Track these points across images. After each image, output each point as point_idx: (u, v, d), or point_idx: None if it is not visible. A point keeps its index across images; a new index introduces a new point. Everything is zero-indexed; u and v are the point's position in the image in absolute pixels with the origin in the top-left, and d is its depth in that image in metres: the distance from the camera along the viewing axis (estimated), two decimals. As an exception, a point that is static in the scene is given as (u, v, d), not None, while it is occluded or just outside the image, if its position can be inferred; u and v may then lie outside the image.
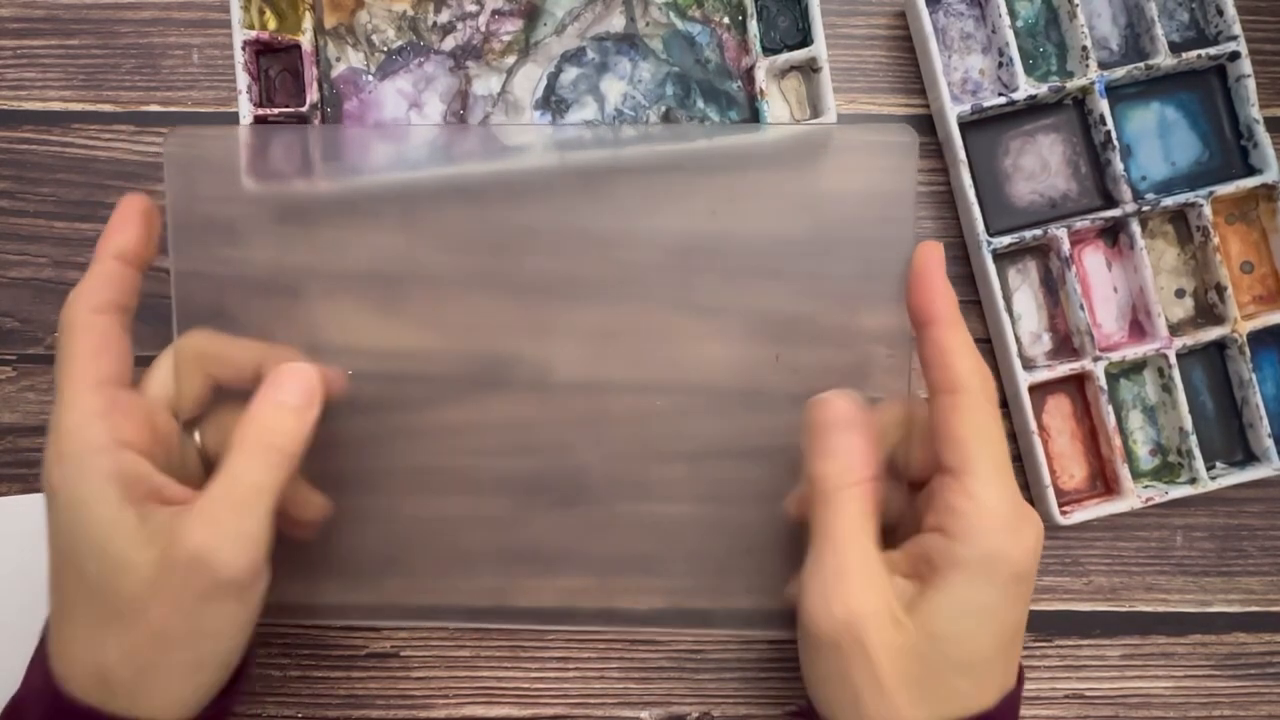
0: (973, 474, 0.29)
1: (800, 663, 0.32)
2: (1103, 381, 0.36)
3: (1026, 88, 0.36)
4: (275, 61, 0.38)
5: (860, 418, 0.31)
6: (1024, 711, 0.31)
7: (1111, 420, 0.36)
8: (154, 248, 0.33)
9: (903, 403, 0.34)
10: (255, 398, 0.31)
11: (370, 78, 0.38)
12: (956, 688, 0.29)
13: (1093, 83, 0.37)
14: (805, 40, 0.37)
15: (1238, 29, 0.37)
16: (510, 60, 0.38)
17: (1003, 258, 0.38)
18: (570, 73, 0.38)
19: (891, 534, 0.32)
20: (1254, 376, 0.36)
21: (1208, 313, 0.37)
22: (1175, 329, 0.37)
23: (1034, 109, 0.38)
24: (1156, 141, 0.38)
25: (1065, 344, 0.38)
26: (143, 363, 0.32)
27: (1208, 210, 0.37)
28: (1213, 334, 0.37)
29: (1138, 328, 0.37)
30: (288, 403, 0.31)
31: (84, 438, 0.29)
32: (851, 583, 0.29)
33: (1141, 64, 0.37)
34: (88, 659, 0.29)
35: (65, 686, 0.29)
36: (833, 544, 0.30)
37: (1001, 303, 0.36)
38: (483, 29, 0.38)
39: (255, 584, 0.30)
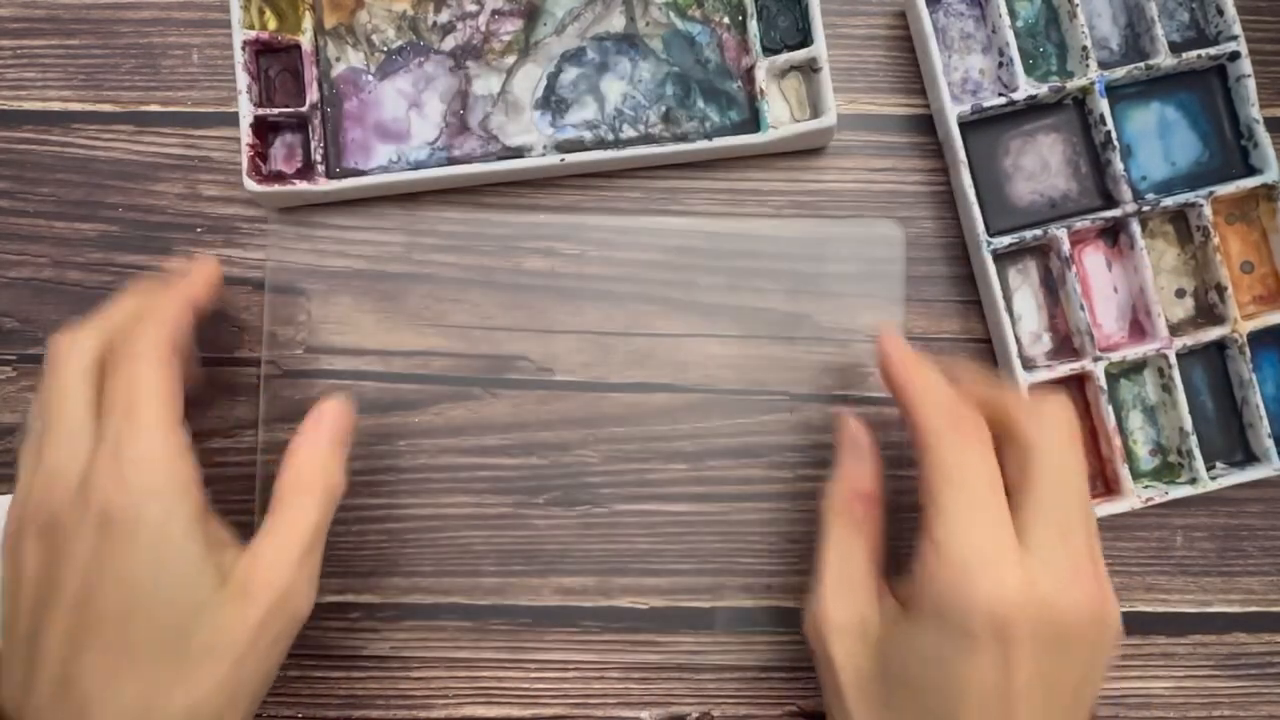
0: (937, 518, 0.27)
1: None
2: (1103, 381, 0.36)
3: (1026, 88, 0.36)
4: (275, 61, 0.38)
5: (865, 440, 0.32)
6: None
7: (1111, 420, 0.36)
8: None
9: None
10: (303, 436, 0.31)
11: (370, 77, 0.38)
12: None
13: (1093, 83, 0.37)
14: (805, 40, 0.37)
15: (1238, 29, 0.37)
16: (510, 60, 0.38)
17: (1003, 258, 0.38)
18: (570, 73, 0.38)
19: None
20: (1254, 376, 0.36)
21: (1208, 313, 0.37)
22: (1175, 329, 0.37)
23: (1034, 109, 0.38)
24: (1156, 141, 0.38)
25: (1065, 344, 0.38)
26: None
27: (1208, 210, 0.37)
28: (1213, 334, 0.36)
29: (1138, 328, 0.37)
30: (335, 440, 0.31)
31: (177, 470, 0.28)
32: (825, 592, 0.30)
33: (1141, 64, 0.37)
34: (141, 711, 0.27)
35: None
36: (821, 555, 0.31)
37: (1001, 303, 0.36)
38: (483, 29, 0.38)
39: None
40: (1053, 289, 0.38)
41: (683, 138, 0.37)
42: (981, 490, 0.27)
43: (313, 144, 0.37)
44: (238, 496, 0.37)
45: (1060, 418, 0.29)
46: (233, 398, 0.38)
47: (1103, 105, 0.37)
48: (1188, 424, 0.36)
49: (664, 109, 0.38)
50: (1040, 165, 0.38)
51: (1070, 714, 0.27)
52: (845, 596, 0.30)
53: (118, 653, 0.27)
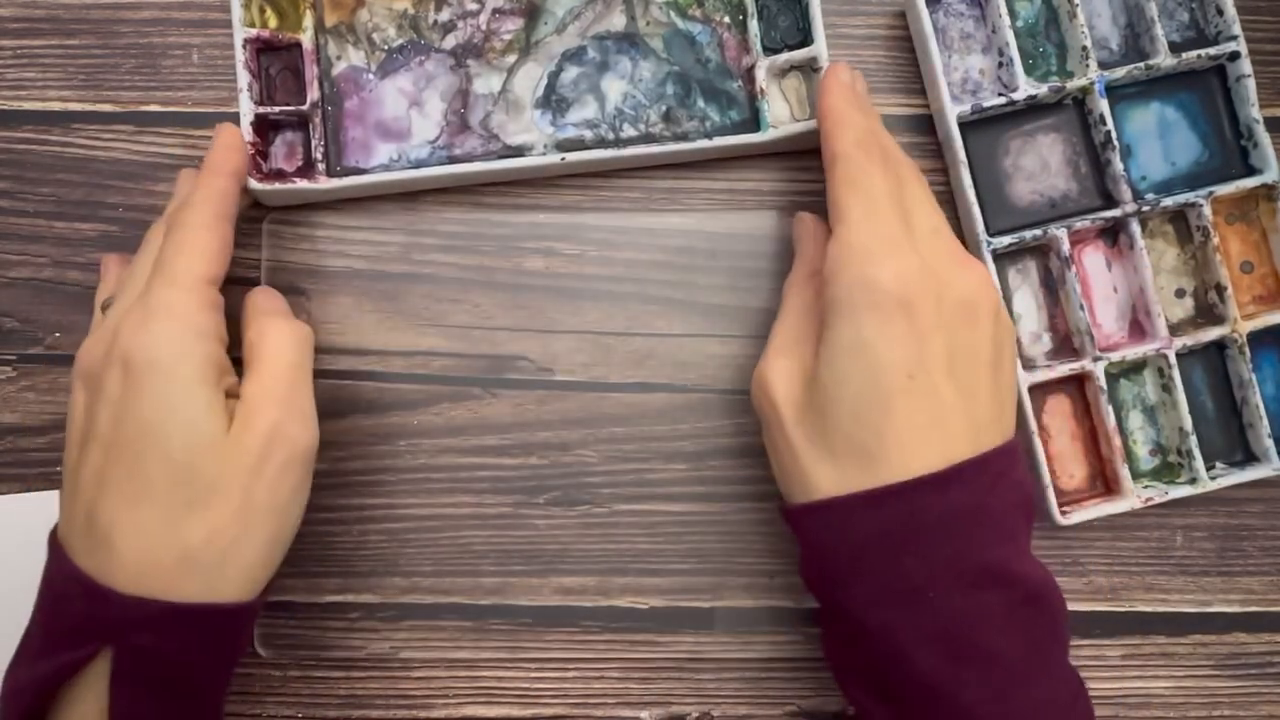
0: (842, 221, 0.31)
1: None
2: (1103, 381, 0.36)
3: (1026, 88, 0.37)
4: (276, 60, 0.38)
5: (822, 231, 0.34)
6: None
7: (1111, 420, 0.36)
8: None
9: None
10: (255, 306, 0.34)
11: (371, 76, 0.38)
12: (858, 444, 0.29)
13: (1093, 83, 0.37)
14: (805, 40, 0.37)
15: (1237, 29, 0.37)
16: (511, 59, 0.38)
17: (1003, 258, 0.38)
18: (571, 72, 0.38)
19: None
20: (1254, 376, 0.36)
21: (1208, 313, 0.38)
22: (1175, 329, 0.37)
23: (1034, 109, 0.38)
24: (1156, 141, 0.38)
25: (1065, 344, 0.38)
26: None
27: (1208, 210, 0.37)
28: (1213, 334, 0.37)
29: (1138, 328, 0.37)
30: (285, 307, 0.35)
31: (195, 320, 0.30)
32: (771, 352, 0.32)
33: (1141, 64, 0.37)
34: (164, 546, 0.29)
35: (123, 587, 0.29)
36: (775, 327, 0.33)
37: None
38: (483, 27, 0.38)
39: (314, 458, 0.32)
40: (1052, 289, 0.38)
41: (683, 137, 0.37)
42: (881, 196, 0.31)
43: (313, 142, 0.37)
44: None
45: (906, 158, 0.33)
46: (233, 397, 0.38)
47: (1102, 105, 0.37)
48: (1188, 424, 0.36)
49: (664, 108, 0.38)
50: (1040, 165, 0.38)
51: (991, 387, 0.30)
52: (788, 350, 0.32)
53: (136, 487, 0.29)
